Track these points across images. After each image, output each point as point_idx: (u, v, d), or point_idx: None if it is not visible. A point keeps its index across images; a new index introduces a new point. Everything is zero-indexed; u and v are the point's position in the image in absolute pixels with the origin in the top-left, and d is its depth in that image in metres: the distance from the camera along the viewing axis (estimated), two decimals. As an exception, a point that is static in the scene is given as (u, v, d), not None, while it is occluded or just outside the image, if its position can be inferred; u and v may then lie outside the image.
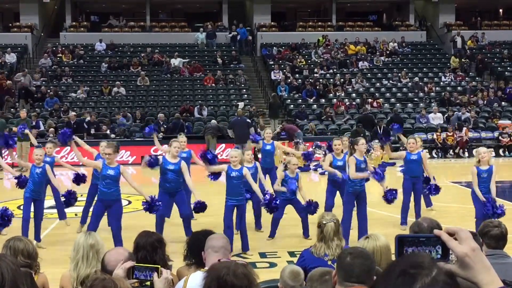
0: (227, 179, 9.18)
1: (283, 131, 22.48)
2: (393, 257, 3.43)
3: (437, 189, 11.23)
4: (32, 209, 9.61)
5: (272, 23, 34.19)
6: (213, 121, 23.13)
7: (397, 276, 1.65)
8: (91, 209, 9.82)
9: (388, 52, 31.64)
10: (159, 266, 3.02)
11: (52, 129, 22.45)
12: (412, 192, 10.97)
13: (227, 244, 4.16)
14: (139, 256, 4.41)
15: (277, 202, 9.24)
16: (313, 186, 16.32)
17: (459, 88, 28.65)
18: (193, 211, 10.30)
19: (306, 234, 10.09)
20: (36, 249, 4.80)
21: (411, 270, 1.63)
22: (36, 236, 9.60)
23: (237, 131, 21.06)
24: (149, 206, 9.22)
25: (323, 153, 19.38)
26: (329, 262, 5.09)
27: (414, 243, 1.75)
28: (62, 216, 11.44)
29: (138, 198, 13.92)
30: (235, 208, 9.09)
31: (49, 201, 11.63)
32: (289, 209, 10.16)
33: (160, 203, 9.24)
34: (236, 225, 9.48)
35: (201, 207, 9.63)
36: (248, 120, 21.40)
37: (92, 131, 22.99)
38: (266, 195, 9.18)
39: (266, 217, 11.89)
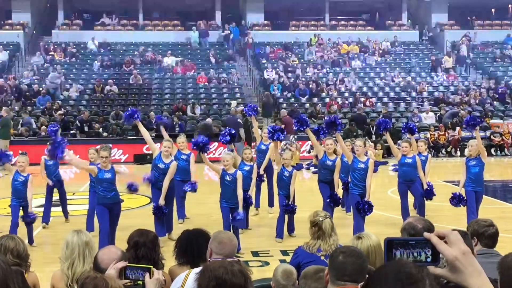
0: (221, 182, 9.15)
1: (283, 123, 22.38)
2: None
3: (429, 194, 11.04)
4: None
5: (265, 22, 34.19)
6: (208, 119, 23.06)
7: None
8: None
9: (380, 51, 31.68)
10: (151, 267, 3.01)
11: (44, 127, 22.36)
12: (410, 194, 10.98)
13: (236, 248, 4.16)
14: (141, 253, 4.41)
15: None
16: (305, 184, 16.34)
17: (451, 87, 28.73)
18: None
19: (290, 230, 10.12)
20: (27, 249, 4.78)
21: (408, 285, 1.60)
22: (29, 239, 9.58)
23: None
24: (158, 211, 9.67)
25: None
26: (322, 258, 5.13)
27: (403, 245, 1.73)
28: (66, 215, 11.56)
29: (130, 196, 13.91)
30: (230, 210, 9.06)
31: (38, 200, 11.60)
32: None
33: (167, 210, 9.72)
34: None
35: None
36: (240, 121, 21.33)
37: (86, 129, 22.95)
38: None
39: (260, 215, 11.90)
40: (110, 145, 9.84)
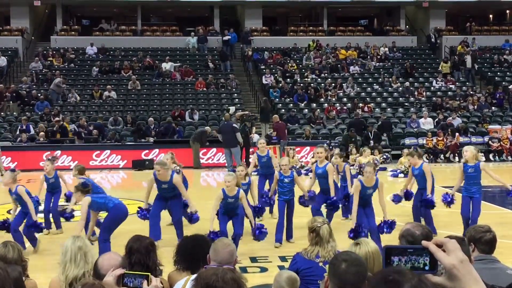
0: (223, 202, 9.01)
1: (274, 130, 22.45)
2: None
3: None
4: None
5: (264, 27, 34.24)
6: (207, 127, 23.05)
7: (381, 282, 1.64)
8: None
9: (379, 57, 31.73)
10: (149, 274, 3.01)
11: (42, 133, 22.36)
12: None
13: (232, 255, 4.15)
14: (133, 259, 4.40)
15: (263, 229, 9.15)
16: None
17: (449, 93, 28.76)
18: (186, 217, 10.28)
19: (289, 236, 10.11)
20: (21, 257, 4.77)
21: (395, 276, 1.63)
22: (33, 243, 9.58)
23: (224, 136, 21.17)
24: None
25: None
26: (321, 264, 5.13)
27: (401, 253, 1.75)
28: (58, 226, 11.37)
29: (129, 202, 13.89)
30: (230, 218, 9.01)
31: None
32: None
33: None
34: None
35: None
36: (235, 125, 21.38)
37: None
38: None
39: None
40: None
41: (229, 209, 8.98)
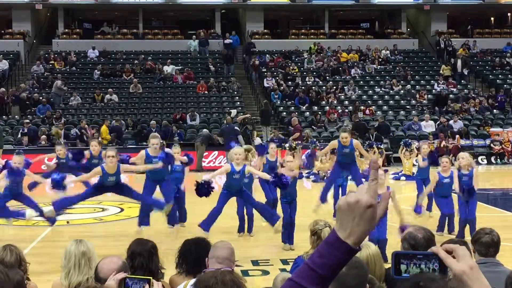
0: (228, 176, 9.39)
1: (292, 126, 22.39)
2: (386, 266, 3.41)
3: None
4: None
5: (265, 30, 34.26)
6: (205, 130, 23.11)
7: None
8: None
9: (380, 59, 31.72)
10: (151, 278, 3.01)
11: (44, 136, 22.39)
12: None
13: (231, 254, 4.16)
14: (136, 263, 4.39)
15: (287, 179, 9.13)
16: (305, 193, 16.31)
17: (451, 95, 28.73)
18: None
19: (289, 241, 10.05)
20: (19, 260, 4.77)
21: (426, 282, 1.62)
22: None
23: (225, 139, 21.19)
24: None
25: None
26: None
27: (410, 258, 1.74)
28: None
29: (131, 206, 13.89)
30: (232, 195, 9.10)
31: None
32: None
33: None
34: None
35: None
36: (236, 128, 21.42)
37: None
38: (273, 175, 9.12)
39: (260, 223, 11.86)
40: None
41: (233, 186, 8.96)
